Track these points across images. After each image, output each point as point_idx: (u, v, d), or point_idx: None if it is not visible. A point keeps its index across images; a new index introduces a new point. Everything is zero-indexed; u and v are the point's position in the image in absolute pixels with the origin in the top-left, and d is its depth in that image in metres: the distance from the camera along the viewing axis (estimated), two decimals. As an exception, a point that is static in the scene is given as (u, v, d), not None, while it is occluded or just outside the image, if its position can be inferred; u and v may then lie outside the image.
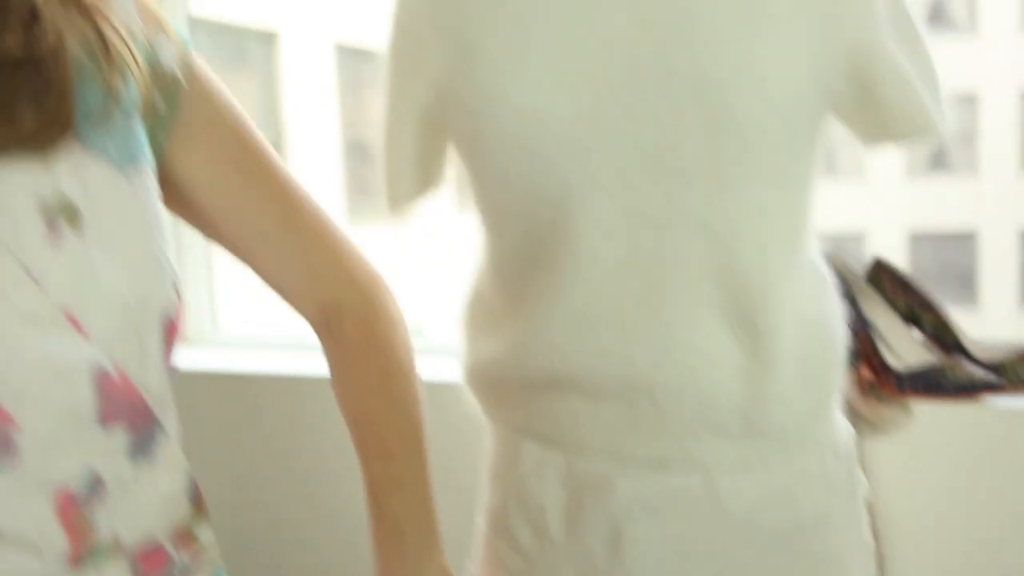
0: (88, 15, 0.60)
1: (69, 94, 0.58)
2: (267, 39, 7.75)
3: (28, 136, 0.56)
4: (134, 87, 0.62)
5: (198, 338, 1.83)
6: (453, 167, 0.85)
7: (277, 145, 7.94)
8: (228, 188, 0.70)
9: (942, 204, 14.03)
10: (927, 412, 1.06)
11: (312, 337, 0.76)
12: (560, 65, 0.74)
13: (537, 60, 0.75)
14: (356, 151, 8.86)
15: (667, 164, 0.74)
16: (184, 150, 0.67)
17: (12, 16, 0.56)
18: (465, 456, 1.00)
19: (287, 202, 0.72)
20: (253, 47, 7.71)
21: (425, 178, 0.86)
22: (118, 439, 0.59)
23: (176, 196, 0.68)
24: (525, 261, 0.79)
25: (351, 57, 8.54)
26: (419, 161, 0.85)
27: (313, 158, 8.17)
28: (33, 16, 0.57)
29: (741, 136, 0.73)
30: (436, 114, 0.82)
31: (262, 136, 0.72)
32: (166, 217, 0.65)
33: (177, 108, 0.66)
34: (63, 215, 0.57)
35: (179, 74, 0.66)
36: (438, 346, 1.45)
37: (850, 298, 1.08)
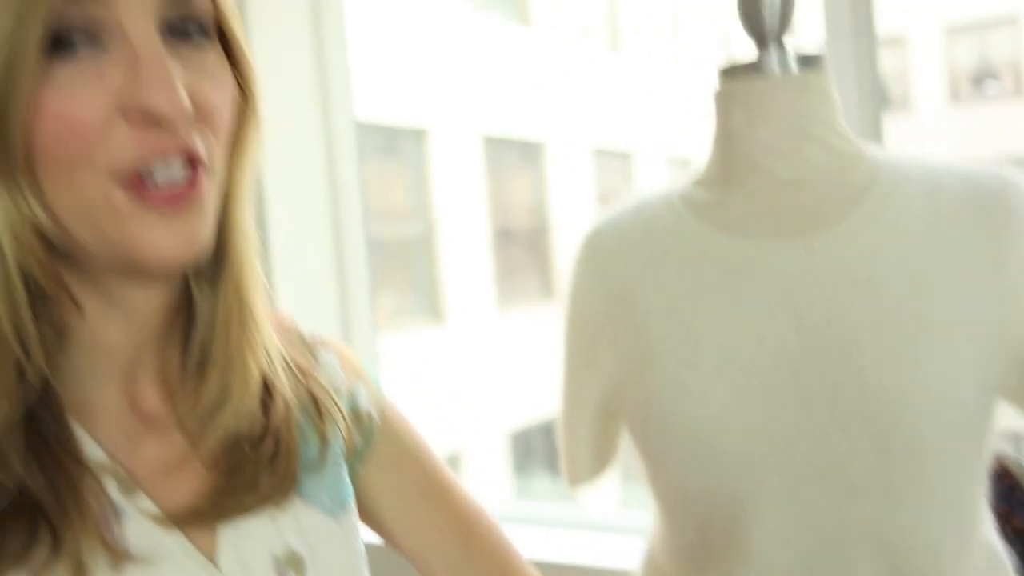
0: (303, 380, 0.71)
1: (296, 456, 0.68)
2: (418, 136, 8.09)
3: (265, 497, 0.66)
4: (340, 435, 0.73)
5: None
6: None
7: (429, 234, 8.18)
8: (413, 512, 0.78)
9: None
10: None
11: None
12: (730, 381, 0.78)
13: (708, 376, 0.79)
14: (503, 237, 9.08)
15: (836, 479, 0.76)
16: (376, 478, 0.77)
17: (256, 399, 0.67)
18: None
19: (466, 526, 0.80)
20: (406, 143, 8.06)
21: (602, 459, 0.92)
22: None
23: (364, 511, 0.77)
24: (699, 555, 0.82)
25: (496, 147, 8.81)
26: (595, 445, 0.91)
27: (463, 245, 8.41)
28: (268, 391, 0.68)
29: (909, 453, 0.75)
30: (611, 406, 0.87)
31: (442, 461, 0.81)
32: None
33: (372, 443, 0.77)
34: (291, 567, 0.66)
35: (374, 414, 0.77)
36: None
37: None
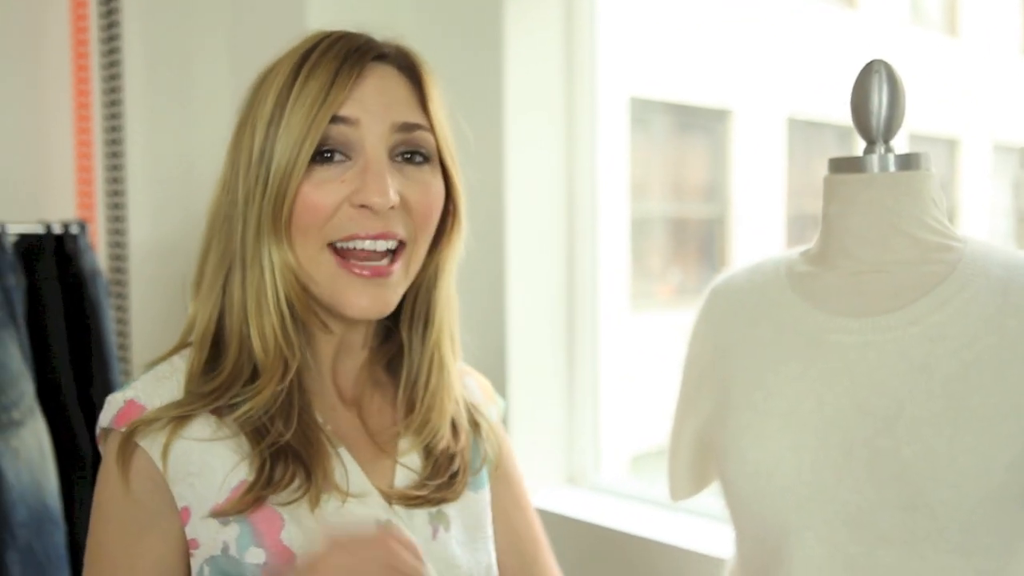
0: (472, 411, 1.05)
1: (468, 470, 1.02)
2: (721, 116, 8.12)
3: (447, 498, 0.99)
4: (486, 446, 1.05)
5: (581, 479, 2.04)
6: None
7: (723, 214, 8.20)
8: (500, 517, 1.07)
9: None
10: None
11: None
12: (789, 432, 0.92)
13: (773, 426, 0.94)
14: (799, 221, 8.91)
15: (866, 526, 0.88)
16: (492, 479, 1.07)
17: (447, 427, 1.01)
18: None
19: (534, 550, 1.09)
20: (710, 123, 8.12)
21: (699, 481, 1.09)
22: None
23: None
24: (758, 571, 0.97)
25: (802, 129, 8.63)
26: (693, 468, 1.08)
27: (756, 226, 8.36)
28: (454, 423, 1.02)
29: (932, 515, 0.85)
30: (705, 439, 1.04)
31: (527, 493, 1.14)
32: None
33: (496, 450, 1.07)
34: (440, 520, 0.98)
35: (501, 425, 1.09)
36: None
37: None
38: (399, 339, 1.02)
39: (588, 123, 2.01)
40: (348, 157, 0.90)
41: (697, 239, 8.38)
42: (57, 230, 1.77)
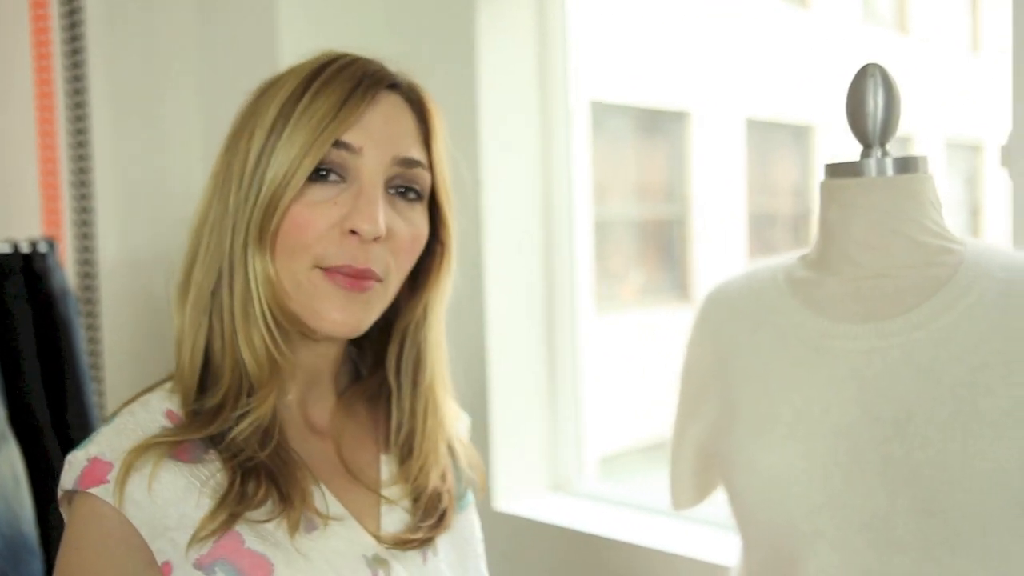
0: (458, 447, 1.04)
1: (454, 504, 1.00)
2: (679, 118, 8.16)
3: (432, 534, 0.96)
4: (463, 466, 1.05)
5: (565, 486, 2.02)
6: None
7: (685, 215, 8.24)
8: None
9: None
10: None
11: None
12: (798, 438, 0.91)
13: (781, 432, 0.93)
14: (763, 221, 8.99)
15: (880, 532, 0.87)
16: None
17: (440, 469, 1.00)
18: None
19: None
20: (667, 125, 8.16)
21: (701, 490, 1.08)
22: None
23: None
24: None
25: (759, 129, 8.71)
26: (696, 476, 1.07)
27: (717, 226, 8.42)
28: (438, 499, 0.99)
29: (946, 519, 0.85)
30: (709, 447, 1.03)
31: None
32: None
33: (476, 465, 1.08)
34: (429, 548, 0.97)
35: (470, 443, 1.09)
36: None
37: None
38: (381, 378, 1.00)
39: (564, 128, 2.01)
40: (343, 179, 0.88)
41: (658, 240, 8.42)
42: (25, 249, 1.72)
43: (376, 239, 0.87)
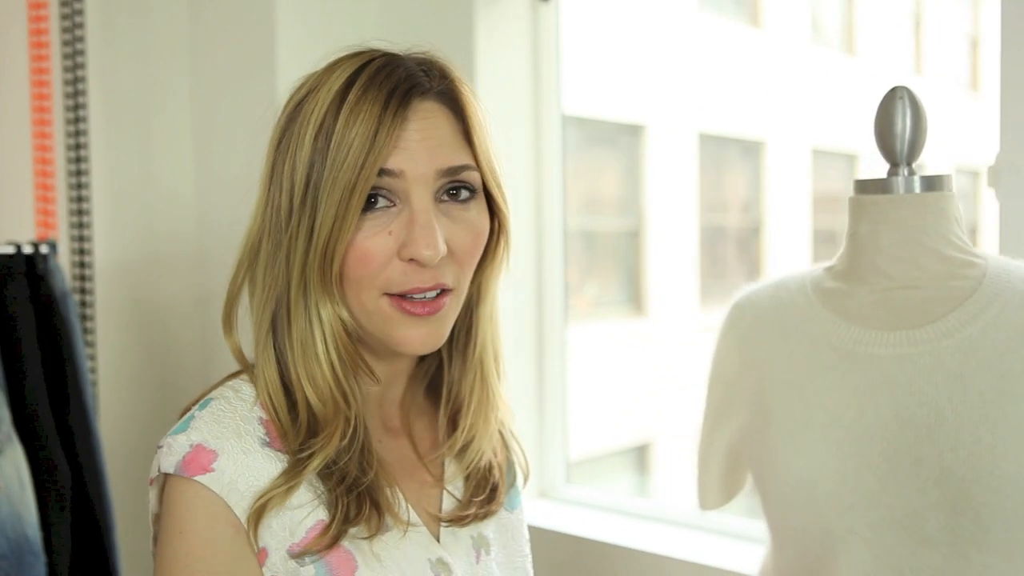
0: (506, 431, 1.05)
1: (504, 484, 1.03)
2: (634, 131, 8.27)
3: (486, 513, 0.99)
4: (516, 460, 1.07)
5: (551, 492, 2.05)
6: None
7: (638, 227, 8.32)
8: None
9: None
10: None
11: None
12: (831, 441, 0.96)
13: (814, 435, 0.97)
14: (714, 234, 9.13)
15: (912, 530, 0.92)
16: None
17: (491, 447, 1.02)
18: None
19: None
20: (622, 138, 8.27)
21: (728, 491, 1.12)
22: None
23: None
24: None
25: (712, 144, 8.86)
26: (723, 480, 1.11)
27: (670, 240, 8.54)
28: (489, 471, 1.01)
29: (976, 517, 0.89)
30: (738, 450, 1.07)
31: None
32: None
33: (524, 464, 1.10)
34: (482, 545, 0.98)
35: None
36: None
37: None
38: (437, 357, 1.01)
39: (551, 140, 2.07)
40: (392, 203, 0.88)
41: (612, 252, 8.50)
42: (27, 250, 1.71)
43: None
